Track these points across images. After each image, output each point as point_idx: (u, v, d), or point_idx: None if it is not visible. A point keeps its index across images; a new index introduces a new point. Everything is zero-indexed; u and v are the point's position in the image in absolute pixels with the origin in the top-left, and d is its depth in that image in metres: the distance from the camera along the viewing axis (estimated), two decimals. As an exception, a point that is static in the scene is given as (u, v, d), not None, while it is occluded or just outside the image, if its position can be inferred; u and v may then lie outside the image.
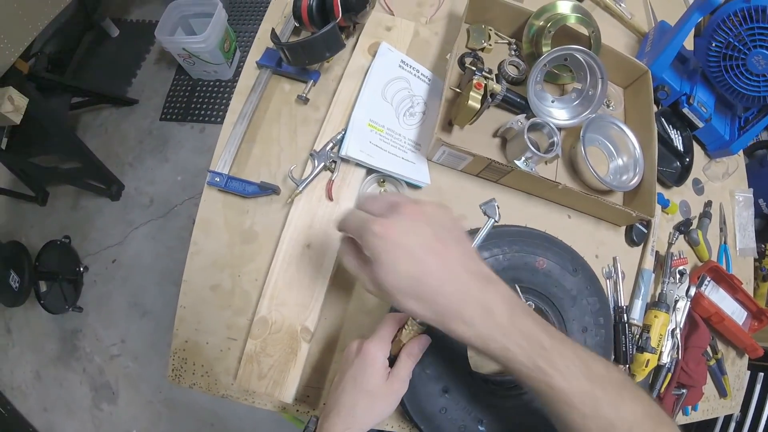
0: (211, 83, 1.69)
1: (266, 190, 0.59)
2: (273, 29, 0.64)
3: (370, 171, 0.58)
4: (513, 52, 0.72)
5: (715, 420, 1.33)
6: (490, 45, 0.69)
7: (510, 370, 0.33)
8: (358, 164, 0.56)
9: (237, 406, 0.60)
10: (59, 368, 1.41)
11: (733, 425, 1.40)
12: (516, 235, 0.52)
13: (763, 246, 1.65)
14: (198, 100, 1.69)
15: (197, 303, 0.58)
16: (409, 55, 0.66)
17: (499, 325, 0.32)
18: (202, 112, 1.67)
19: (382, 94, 0.60)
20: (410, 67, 0.63)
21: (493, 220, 0.40)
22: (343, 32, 0.67)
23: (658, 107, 0.84)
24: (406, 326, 0.42)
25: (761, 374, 1.38)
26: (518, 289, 0.51)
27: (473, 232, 0.41)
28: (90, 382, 1.38)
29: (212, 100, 1.67)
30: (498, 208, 0.40)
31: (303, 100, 0.63)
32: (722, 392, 0.78)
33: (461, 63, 0.67)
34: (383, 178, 0.58)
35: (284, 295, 0.53)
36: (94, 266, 1.49)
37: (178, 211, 1.51)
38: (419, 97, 0.62)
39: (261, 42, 0.68)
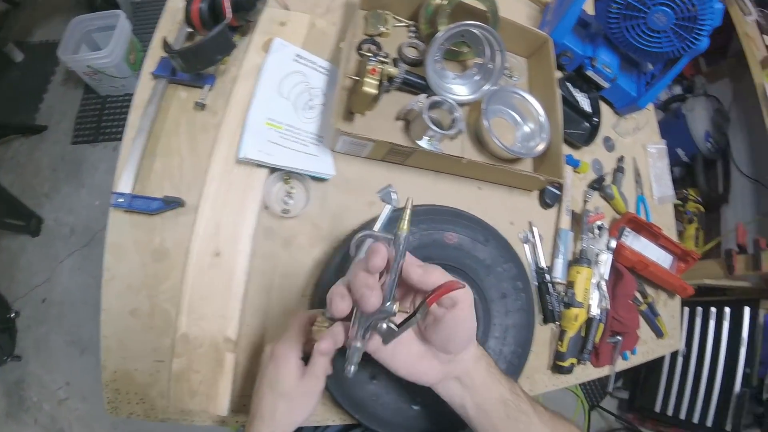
0: (121, 98, 1.61)
1: (171, 204, 0.57)
2: (164, 38, 0.61)
3: (273, 170, 0.57)
4: (412, 34, 0.73)
5: (662, 358, 1.45)
6: (388, 29, 0.70)
7: None
8: (259, 165, 0.55)
9: (198, 428, 0.59)
10: (11, 425, 1.31)
11: (680, 359, 1.53)
12: (423, 214, 0.53)
13: (685, 191, 1.81)
14: (109, 118, 1.61)
15: (119, 331, 0.55)
16: (306, 47, 0.65)
17: None
18: (114, 130, 1.60)
19: (279, 90, 0.59)
20: (306, 60, 0.63)
21: (391, 207, 0.41)
22: (237, 32, 0.65)
23: (563, 72, 0.89)
24: (315, 323, 0.41)
25: (699, 308, 1.51)
26: None
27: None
28: (44, 433, 1.30)
29: (123, 116, 1.57)
30: (395, 194, 0.40)
31: (200, 106, 0.61)
32: (658, 333, 0.84)
33: (359, 50, 0.67)
34: (287, 175, 0.58)
35: (201, 308, 0.52)
36: (26, 309, 1.39)
37: (100, 237, 1.40)
38: (318, 89, 0.62)
39: (155, 52, 0.65)
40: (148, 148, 0.60)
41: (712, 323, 1.48)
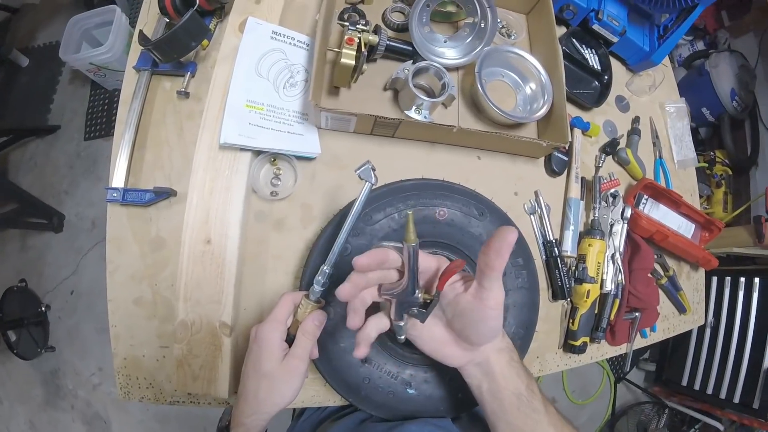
0: None
1: (161, 194, 0.57)
2: (141, 30, 0.61)
3: (258, 153, 0.56)
4: (397, -1, 0.68)
5: (690, 330, 1.38)
6: (370, -5, 0.66)
7: None
8: (243, 149, 0.54)
9: (215, 410, 0.62)
10: (49, 412, 1.41)
11: (708, 332, 1.47)
12: (410, 189, 0.51)
13: (712, 153, 1.70)
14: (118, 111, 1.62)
15: (126, 319, 0.57)
16: (285, 23, 0.62)
17: None
18: None
19: (257, 70, 0.57)
20: (284, 36, 0.60)
21: (369, 184, 0.39)
22: (214, 15, 0.63)
23: (567, 28, 0.82)
24: (300, 305, 0.42)
25: (728, 278, 1.44)
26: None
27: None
28: (81, 418, 1.39)
29: None
30: (374, 170, 0.39)
31: (184, 95, 0.60)
32: (681, 308, 0.78)
33: (341, 20, 0.64)
34: (273, 156, 0.56)
35: (196, 294, 0.52)
36: (55, 302, 1.48)
37: None
38: (299, 66, 0.60)
39: (137, 46, 0.64)
40: (138, 141, 0.60)
41: (741, 294, 1.41)
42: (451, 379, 0.50)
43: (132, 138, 0.59)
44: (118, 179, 0.58)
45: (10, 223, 1.50)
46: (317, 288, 0.41)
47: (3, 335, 1.37)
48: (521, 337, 0.55)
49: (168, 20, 0.63)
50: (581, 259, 0.67)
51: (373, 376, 0.47)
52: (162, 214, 0.58)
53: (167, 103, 0.62)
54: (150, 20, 0.65)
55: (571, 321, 0.66)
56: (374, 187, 0.39)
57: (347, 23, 0.56)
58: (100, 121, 1.62)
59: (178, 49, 0.57)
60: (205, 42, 0.61)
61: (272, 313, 0.41)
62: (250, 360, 0.41)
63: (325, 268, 0.40)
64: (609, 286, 0.67)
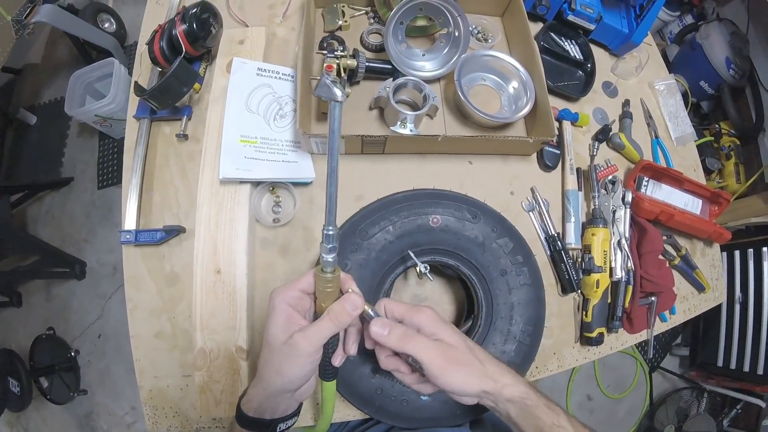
0: None
1: (171, 232, 0.60)
2: (136, 82, 0.65)
3: (257, 184, 0.59)
4: (372, 20, 0.72)
5: (718, 308, 1.35)
6: (347, 21, 0.69)
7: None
8: (242, 181, 0.57)
9: None
10: (86, 454, 1.44)
11: (737, 308, 1.43)
12: (402, 201, 0.53)
13: (717, 126, 1.68)
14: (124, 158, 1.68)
15: (149, 353, 0.60)
16: (269, 59, 0.66)
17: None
18: None
19: (246, 106, 0.60)
20: (269, 71, 0.63)
21: (339, 103, 0.34)
22: (202, 61, 0.67)
23: (544, 23, 0.84)
24: (316, 280, 0.38)
25: (750, 250, 1.40)
26: (411, 254, 0.51)
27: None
28: (117, 457, 1.42)
29: None
30: (335, 84, 0.34)
31: (182, 137, 0.64)
32: (699, 287, 0.77)
33: (321, 49, 0.67)
34: (272, 185, 0.59)
35: (212, 323, 0.55)
36: (84, 347, 1.52)
37: None
38: (287, 97, 0.63)
39: (134, 97, 0.68)
40: (145, 185, 0.64)
41: (766, 265, 1.36)
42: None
43: (139, 182, 0.63)
44: (129, 222, 0.61)
45: (33, 274, 1.56)
46: (327, 257, 0.36)
47: (35, 382, 1.42)
48: (530, 333, 0.55)
49: (160, 69, 0.67)
50: (586, 249, 0.67)
51: (385, 386, 0.48)
52: (174, 251, 0.61)
53: (168, 147, 0.65)
54: (144, 71, 0.69)
55: (584, 313, 0.66)
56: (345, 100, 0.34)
57: (326, 51, 0.59)
58: (111, 169, 1.68)
59: (172, 96, 0.60)
60: (197, 86, 0.65)
61: (292, 281, 0.39)
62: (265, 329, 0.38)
63: (328, 229, 0.35)
64: (619, 274, 0.67)
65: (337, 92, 0.33)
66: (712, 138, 1.65)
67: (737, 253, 1.43)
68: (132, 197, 0.62)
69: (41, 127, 1.82)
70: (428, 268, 0.49)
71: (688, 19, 1.90)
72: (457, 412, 0.49)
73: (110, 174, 1.68)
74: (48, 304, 1.58)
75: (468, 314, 0.58)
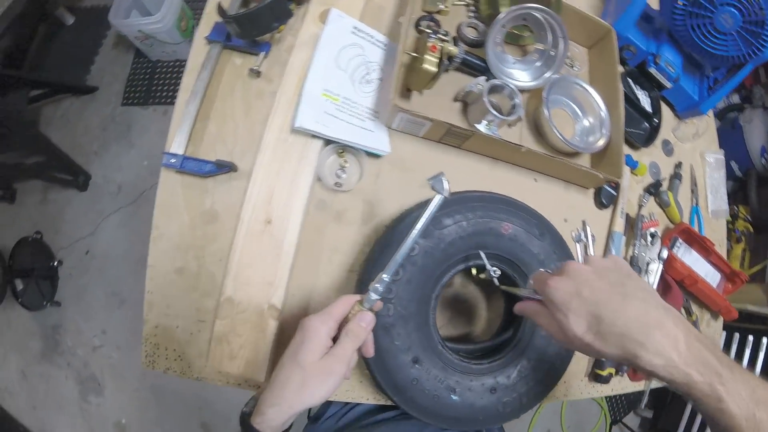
0: (171, 64, 1.64)
1: (223, 167, 0.57)
2: (219, 3, 0.61)
3: (328, 142, 0.56)
4: (471, 14, 0.70)
5: None
6: (447, 7, 0.67)
7: (685, 394, 0.33)
8: (315, 135, 0.54)
9: (223, 389, 0.60)
10: (44, 365, 1.40)
11: None
12: (479, 200, 0.51)
13: (736, 207, 1.71)
14: (159, 82, 1.63)
15: (164, 287, 0.57)
16: (362, 20, 0.63)
17: (681, 352, 0.32)
18: (165, 94, 1.62)
19: (336, 62, 0.57)
20: (364, 33, 0.61)
21: (441, 197, 0.39)
22: (293, 1, 0.64)
23: (624, 68, 0.84)
24: (353, 308, 0.41)
25: (737, 334, 1.43)
26: (483, 255, 0.51)
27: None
28: (75, 376, 1.38)
29: (174, 81, 1.62)
30: (447, 182, 0.39)
31: (255, 73, 0.61)
32: None
33: (418, 27, 0.65)
34: (342, 148, 0.57)
35: (248, 273, 0.52)
36: (69, 259, 1.47)
37: (148, 196, 1.48)
38: (375, 64, 0.60)
39: (210, 17, 0.64)
40: (202, 112, 0.60)
41: (747, 352, 1.40)
42: (493, 389, 0.50)
43: (197, 107, 0.59)
44: (177, 146, 0.57)
45: (34, 174, 1.49)
46: (373, 296, 0.40)
47: (10, 283, 1.36)
48: (562, 357, 0.56)
49: (247, -2, 0.63)
50: (617, 292, 0.68)
51: (422, 378, 0.47)
52: (219, 188, 0.58)
53: (236, 79, 0.62)
54: (227, -6, 0.65)
55: (603, 350, 0.67)
56: (446, 198, 0.39)
57: (428, 31, 0.57)
58: (140, 89, 1.63)
59: (259, 27, 0.57)
60: (282, 26, 0.62)
61: (327, 309, 0.41)
62: (291, 348, 0.40)
63: (384, 276, 0.40)
64: (640, 320, 0.69)
65: (447, 187, 0.38)
66: (729, 218, 1.69)
67: (737, 335, 1.47)
68: (186, 120, 0.58)
69: (77, 30, 1.76)
70: (498, 272, 0.48)
71: (735, 99, 1.93)
72: (479, 417, 0.49)
73: (138, 93, 1.63)
74: (42, 208, 1.52)
75: (506, 325, 0.58)
